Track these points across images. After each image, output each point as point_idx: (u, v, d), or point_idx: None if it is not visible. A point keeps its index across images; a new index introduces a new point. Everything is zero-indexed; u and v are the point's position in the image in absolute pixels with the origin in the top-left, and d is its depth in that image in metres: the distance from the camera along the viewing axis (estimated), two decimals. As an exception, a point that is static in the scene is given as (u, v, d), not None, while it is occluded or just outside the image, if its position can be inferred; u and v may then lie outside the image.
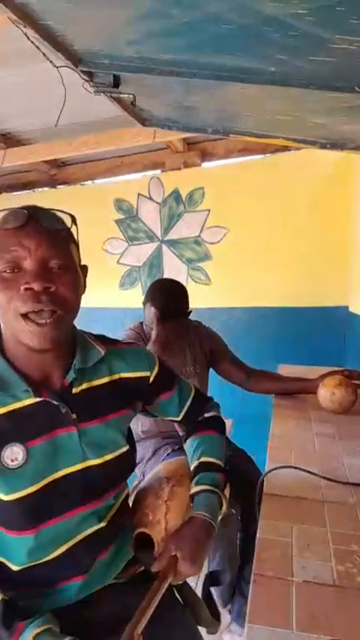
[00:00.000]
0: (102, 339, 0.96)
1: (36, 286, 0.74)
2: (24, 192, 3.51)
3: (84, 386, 0.87)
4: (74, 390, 0.86)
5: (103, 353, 0.91)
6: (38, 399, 0.81)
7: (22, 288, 0.74)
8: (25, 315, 0.75)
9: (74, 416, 0.84)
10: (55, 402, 0.82)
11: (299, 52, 0.87)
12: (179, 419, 1.06)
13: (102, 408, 0.88)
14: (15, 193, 3.52)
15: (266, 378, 1.89)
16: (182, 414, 1.06)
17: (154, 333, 1.72)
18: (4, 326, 0.81)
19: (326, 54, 0.85)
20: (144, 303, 1.79)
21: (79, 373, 0.86)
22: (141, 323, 1.85)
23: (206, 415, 1.10)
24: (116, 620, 0.83)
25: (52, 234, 0.78)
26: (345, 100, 1.05)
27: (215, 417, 1.10)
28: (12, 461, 0.77)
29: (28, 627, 0.74)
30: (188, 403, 1.07)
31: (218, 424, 1.10)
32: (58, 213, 0.82)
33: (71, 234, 0.84)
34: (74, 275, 0.81)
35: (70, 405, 0.83)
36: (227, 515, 1.61)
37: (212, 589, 1.72)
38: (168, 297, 1.77)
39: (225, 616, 1.71)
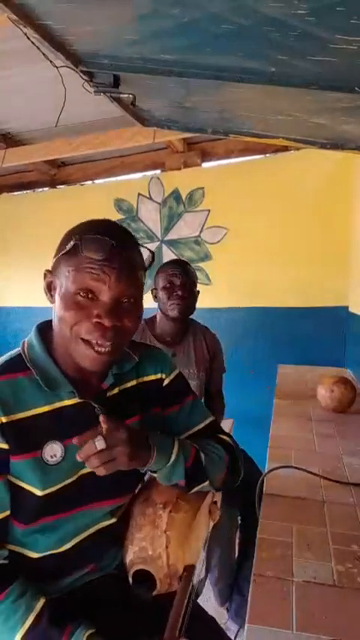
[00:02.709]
0: (130, 343, 0.96)
1: (107, 322, 0.77)
2: (24, 192, 3.51)
3: (116, 390, 0.91)
4: (108, 394, 0.89)
5: (137, 360, 0.94)
6: (78, 400, 0.84)
7: (93, 320, 0.77)
8: (86, 341, 0.78)
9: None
10: (94, 404, 0.85)
11: (299, 52, 0.87)
12: (181, 437, 0.96)
13: (128, 410, 0.91)
14: (15, 193, 3.52)
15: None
16: (187, 434, 0.98)
17: (161, 323, 1.77)
18: (59, 335, 0.83)
19: (326, 54, 0.85)
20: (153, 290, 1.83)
21: (115, 378, 0.90)
22: (145, 321, 1.85)
23: (219, 436, 1.01)
24: (112, 606, 0.88)
25: (132, 270, 0.80)
26: (345, 100, 1.05)
27: (227, 442, 1.00)
28: (51, 457, 0.81)
29: (80, 628, 0.75)
30: (199, 427, 0.99)
31: (228, 446, 0.99)
32: (141, 248, 0.85)
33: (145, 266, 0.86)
34: (140, 306, 0.84)
35: (105, 406, 0.86)
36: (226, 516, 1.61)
37: (211, 587, 1.73)
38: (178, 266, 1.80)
39: (223, 614, 1.71)
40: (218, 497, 1.04)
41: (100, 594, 0.89)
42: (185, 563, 0.86)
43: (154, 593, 0.83)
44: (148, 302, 3.44)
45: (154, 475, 0.87)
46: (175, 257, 3.07)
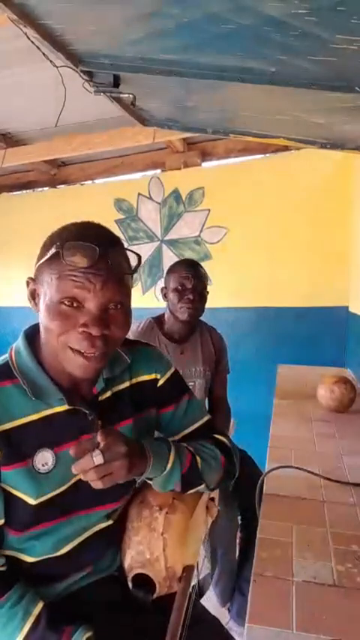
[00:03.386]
0: (124, 343, 0.94)
1: (94, 332, 0.74)
2: (24, 192, 3.51)
3: (108, 393, 0.89)
4: (100, 398, 0.87)
5: (129, 362, 0.92)
6: (69, 407, 0.82)
7: (79, 329, 0.74)
8: (74, 349, 0.76)
9: (100, 422, 0.85)
10: (85, 411, 0.83)
11: (299, 52, 0.87)
12: (177, 438, 0.96)
13: (122, 413, 0.90)
14: (15, 193, 3.52)
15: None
16: (183, 433, 0.97)
17: (169, 322, 1.78)
18: (46, 344, 0.81)
19: (326, 54, 0.85)
20: (163, 289, 1.83)
21: (106, 382, 0.88)
22: (154, 319, 1.85)
23: (215, 436, 0.98)
24: (111, 608, 0.87)
25: (118, 276, 0.76)
26: (345, 100, 1.05)
27: (223, 442, 0.98)
28: (43, 465, 0.79)
29: (78, 631, 0.76)
30: (194, 426, 0.98)
31: (224, 446, 0.97)
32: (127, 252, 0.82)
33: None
34: (128, 311, 0.81)
35: (97, 411, 0.85)
36: (227, 515, 1.62)
37: (212, 588, 1.73)
38: (189, 268, 1.79)
39: (224, 614, 1.71)
40: (215, 493, 1.04)
41: (99, 596, 0.89)
42: (184, 564, 0.85)
43: (154, 596, 0.83)
44: (152, 302, 3.42)
45: (150, 482, 0.86)
46: (175, 257, 3.07)
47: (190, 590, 0.83)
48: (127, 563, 0.86)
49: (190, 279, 1.75)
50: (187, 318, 1.74)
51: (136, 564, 0.84)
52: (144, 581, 0.84)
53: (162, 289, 1.83)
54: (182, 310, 1.73)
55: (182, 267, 1.81)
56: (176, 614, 0.77)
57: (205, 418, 1.00)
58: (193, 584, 0.87)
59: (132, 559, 0.85)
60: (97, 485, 0.73)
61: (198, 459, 0.89)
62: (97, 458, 0.71)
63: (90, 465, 0.71)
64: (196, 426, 0.98)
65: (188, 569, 0.86)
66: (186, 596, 0.81)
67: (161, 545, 0.83)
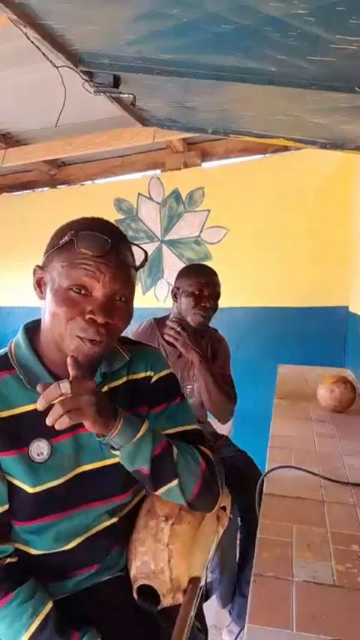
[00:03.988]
0: (122, 341, 0.96)
1: (100, 319, 0.77)
2: (24, 192, 3.51)
3: (105, 388, 0.89)
4: None
5: (127, 359, 0.93)
6: None
7: (86, 316, 0.77)
8: (80, 337, 0.78)
9: None
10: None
11: (299, 52, 0.87)
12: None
13: None
14: (15, 193, 3.52)
15: None
16: (167, 432, 0.91)
17: (171, 324, 1.76)
18: (51, 331, 0.82)
19: (326, 54, 0.85)
20: (174, 291, 1.80)
21: (103, 376, 0.89)
22: (155, 320, 1.84)
23: (200, 447, 0.92)
24: (118, 611, 0.87)
25: (126, 269, 0.81)
26: (345, 100, 1.05)
27: (207, 454, 0.91)
28: (38, 455, 0.81)
29: (85, 637, 0.76)
30: (179, 429, 0.93)
31: (206, 456, 0.90)
32: (134, 247, 0.85)
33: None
34: (131, 306, 0.84)
35: None
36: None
37: (212, 589, 1.73)
38: (204, 275, 1.76)
39: (225, 616, 1.71)
40: (227, 501, 1.03)
41: (106, 597, 0.89)
42: (190, 575, 0.85)
43: (159, 607, 0.83)
44: (152, 302, 3.40)
45: (117, 454, 0.81)
46: (175, 257, 3.08)
47: (195, 602, 0.83)
48: (132, 573, 0.86)
49: (209, 286, 1.75)
50: (199, 325, 1.74)
51: (141, 575, 0.84)
52: (149, 592, 0.83)
53: (173, 290, 1.81)
54: (196, 316, 1.72)
55: (202, 273, 1.78)
56: (180, 624, 0.77)
57: (193, 426, 0.96)
58: (200, 585, 0.86)
59: (137, 569, 0.85)
60: (63, 422, 0.70)
61: (174, 449, 0.85)
62: (64, 386, 0.71)
63: (56, 394, 0.71)
64: (181, 429, 0.94)
65: (194, 581, 0.85)
66: (190, 608, 0.80)
67: (166, 557, 0.83)
